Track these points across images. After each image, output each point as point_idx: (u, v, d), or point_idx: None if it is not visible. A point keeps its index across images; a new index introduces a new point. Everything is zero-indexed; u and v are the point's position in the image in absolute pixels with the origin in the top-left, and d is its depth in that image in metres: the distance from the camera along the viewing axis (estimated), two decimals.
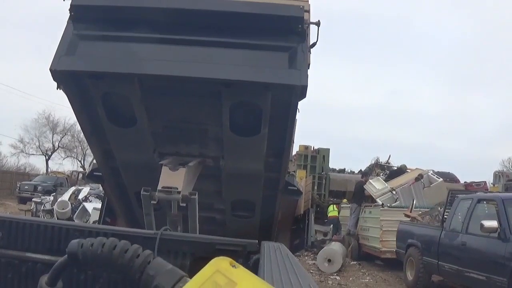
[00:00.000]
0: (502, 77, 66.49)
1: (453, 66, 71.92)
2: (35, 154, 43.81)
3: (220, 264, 1.29)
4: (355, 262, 12.76)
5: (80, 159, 45.60)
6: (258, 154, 4.08)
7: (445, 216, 8.94)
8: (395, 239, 10.54)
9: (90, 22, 3.59)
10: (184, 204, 3.81)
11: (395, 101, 73.19)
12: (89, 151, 30.67)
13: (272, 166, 4.39)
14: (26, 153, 43.36)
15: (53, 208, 14.70)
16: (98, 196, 14.95)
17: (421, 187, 13.50)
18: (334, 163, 24.74)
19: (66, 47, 3.46)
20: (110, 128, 3.95)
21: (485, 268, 6.90)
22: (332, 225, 15.84)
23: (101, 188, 8.65)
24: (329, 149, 21.11)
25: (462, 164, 50.87)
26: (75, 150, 45.24)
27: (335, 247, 11.84)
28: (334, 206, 16.94)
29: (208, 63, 3.53)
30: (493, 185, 19.26)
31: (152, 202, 3.82)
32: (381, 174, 17.45)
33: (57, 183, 27.93)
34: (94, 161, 5.17)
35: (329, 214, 16.68)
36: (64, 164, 45.52)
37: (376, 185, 14.19)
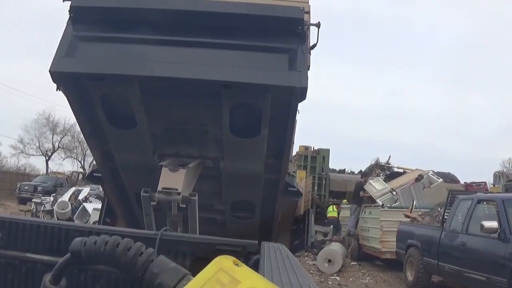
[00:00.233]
0: (502, 77, 66.61)
1: (453, 66, 72.08)
2: (35, 154, 43.88)
3: (223, 263, 1.29)
4: (355, 263, 12.76)
5: (80, 160, 45.61)
6: (258, 155, 4.08)
7: (445, 217, 8.95)
8: (395, 240, 10.55)
9: (90, 23, 3.58)
10: (184, 205, 3.80)
11: (395, 101, 73.40)
12: (89, 152, 30.52)
13: (272, 167, 4.38)
14: (26, 154, 43.43)
15: (53, 209, 14.74)
16: (98, 197, 14.96)
17: (421, 188, 13.49)
18: (334, 163, 24.88)
19: (66, 49, 3.45)
20: (109, 129, 3.94)
21: (485, 269, 6.91)
22: (332, 226, 15.85)
23: (101, 188, 8.65)
24: (329, 149, 21.18)
25: (462, 164, 50.88)
26: (75, 150, 45.24)
27: (335, 248, 11.85)
28: (334, 206, 16.97)
29: (208, 64, 3.52)
30: (493, 185, 19.28)
31: (152, 203, 3.81)
32: (381, 174, 17.46)
33: (57, 184, 27.95)
34: (94, 162, 5.17)
35: (328, 215, 16.71)
36: (64, 165, 45.54)
37: (376, 186, 14.18)
